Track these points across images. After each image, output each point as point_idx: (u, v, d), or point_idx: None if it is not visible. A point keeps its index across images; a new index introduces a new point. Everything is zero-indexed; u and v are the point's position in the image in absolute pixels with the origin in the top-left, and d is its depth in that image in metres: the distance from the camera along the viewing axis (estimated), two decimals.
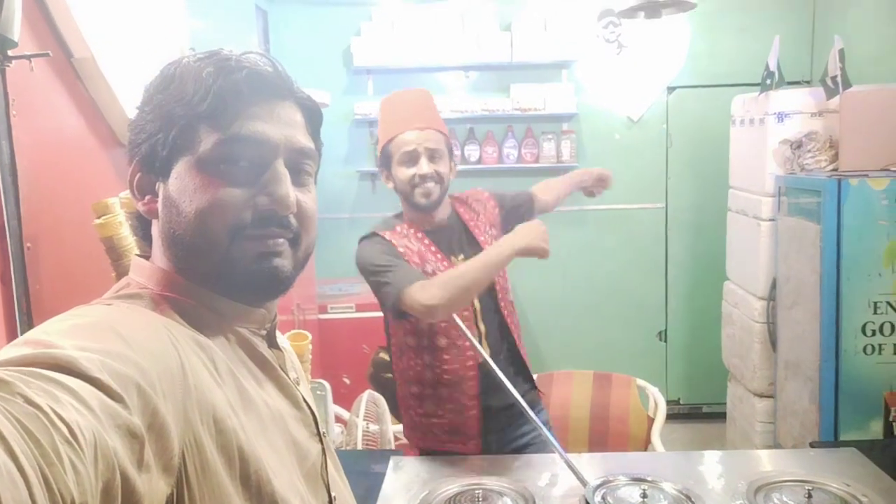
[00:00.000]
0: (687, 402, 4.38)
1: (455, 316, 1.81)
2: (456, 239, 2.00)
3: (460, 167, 4.19)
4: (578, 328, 4.31)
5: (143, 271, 0.80)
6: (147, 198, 0.81)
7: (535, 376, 2.93)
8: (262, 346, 0.84)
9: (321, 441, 0.87)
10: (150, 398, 0.62)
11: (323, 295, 3.73)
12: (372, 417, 2.74)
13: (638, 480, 1.64)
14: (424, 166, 1.89)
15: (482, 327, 1.96)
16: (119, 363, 0.61)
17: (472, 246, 1.99)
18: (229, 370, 0.76)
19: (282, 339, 0.91)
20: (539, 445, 1.98)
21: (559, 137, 4.20)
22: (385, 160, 1.96)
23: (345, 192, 4.31)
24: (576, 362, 4.51)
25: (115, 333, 0.65)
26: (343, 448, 2.59)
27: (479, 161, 4.21)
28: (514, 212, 2.17)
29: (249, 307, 0.82)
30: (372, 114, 4.10)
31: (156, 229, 0.81)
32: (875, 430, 2.54)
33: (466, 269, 1.74)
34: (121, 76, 1.49)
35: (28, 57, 1.30)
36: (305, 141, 0.84)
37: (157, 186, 0.80)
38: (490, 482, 1.67)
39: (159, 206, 0.80)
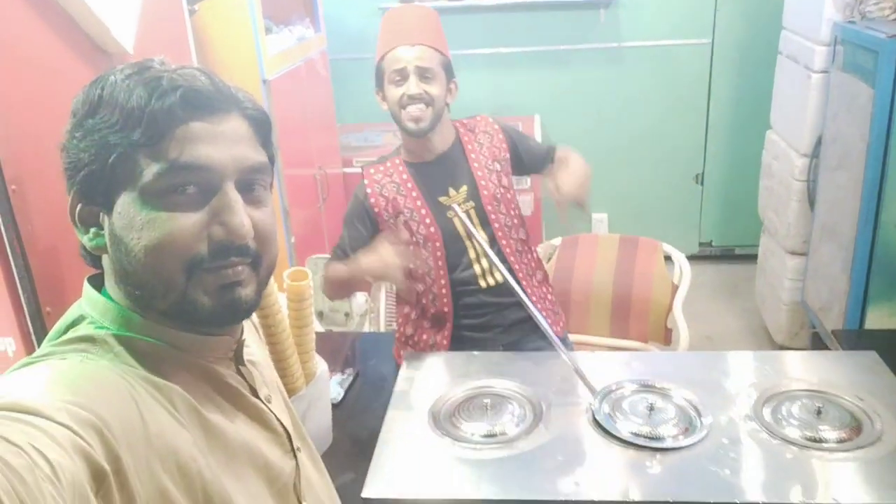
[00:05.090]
0: (720, 245, 4.34)
1: (460, 213, 1.78)
2: (452, 171, 1.90)
3: (452, 4, 3.89)
4: (613, 170, 4.16)
5: (97, 306, 0.76)
6: (92, 231, 0.75)
7: (559, 240, 2.90)
8: (230, 372, 0.82)
9: (295, 457, 0.87)
10: (113, 447, 0.63)
11: (347, 147, 3.65)
12: None
13: (647, 387, 1.64)
14: (413, 86, 1.78)
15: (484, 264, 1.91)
16: (82, 411, 0.62)
17: (467, 179, 1.89)
18: (191, 407, 0.74)
19: (250, 351, 0.88)
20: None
21: None
22: (378, 79, 1.85)
23: (366, 29, 4.05)
24: (610, 204, 4.44)
25: (74, 388, 0.64)
26: (368, 315, 2.66)
27: None
28: (528, 159, 2.00)
29: (212, 337, 0.79)
30: None
31: (107, 260, 0.76)
32: None
33: (334, 274, 1.82)
34: None
35: None
36: (255, 155, 0.76)
37: (101, 218, 0.74)
38: (499, 385, 1.70)
39: (107, 240, 0.74)
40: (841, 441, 1.44)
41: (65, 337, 0.74)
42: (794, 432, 1.47)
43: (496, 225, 1.90)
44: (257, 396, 0.85)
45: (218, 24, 2.37)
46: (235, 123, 0.75)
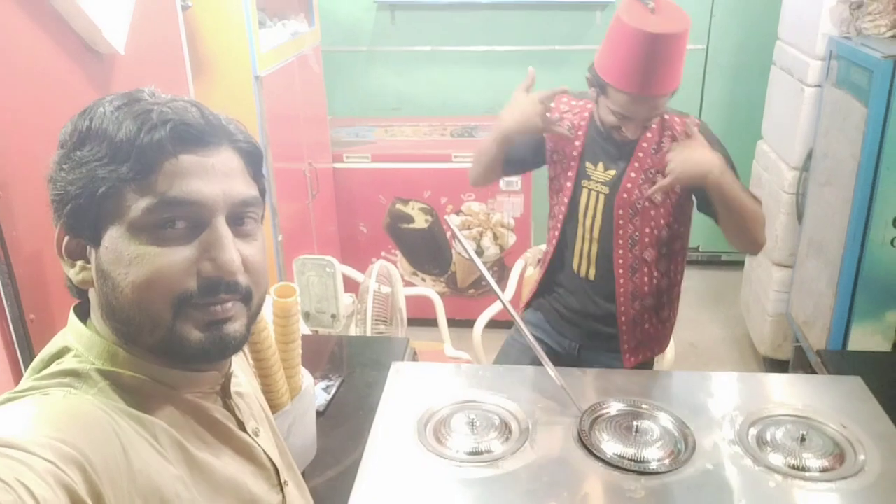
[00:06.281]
0: (706, 250, 4.36)
1: (454, 227, 1.76)
2: (617, 151, 1.78)
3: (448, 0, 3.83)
4: None
5: (82, 338, 0.74)
6: (79, 264, 0.73)
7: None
8: (216, 407, 0.80)
9: (282, 490, 0.86)
10: (95, 483, 0.63)
11: (338, 142, 3.61)
12: (384, 283, 2.77)
13: (633, 407, 1.64)
14: (631, 132, 1.69)
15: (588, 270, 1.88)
16: (65, 446, 0.62)
17: (620, 168, 1.77)
18: (176, 443, 0.73)
19: (238, 381, 0.86)
20: None
21: None
22: (598, 85, 1.68)
23: (361, 23, 4.03)
24: None
25: (57, 424, 0.64)
26: (354, 316, 2.64)
27: None
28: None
29: (199, 373, 0.77)
30: None
31: (93, 293, 0.74)
32: (890, 321, 2.50)
33: (480, 151, 1.85)
34: None
35: None
36: (246, 189, 0.75)
37: (88, 251, 0.72)
38: (487, 399, 1.69)
39: (93, 274, 0.72)
40: (824, 470, 1.45)
41: (49, 370, 0.72)
42: (777, 459, 1.48)
43: (620, 232, 1.79)
44: (244, 430, 0.84)
45: (211, 19, 2.33)
46: (226, 157, 0.73)
